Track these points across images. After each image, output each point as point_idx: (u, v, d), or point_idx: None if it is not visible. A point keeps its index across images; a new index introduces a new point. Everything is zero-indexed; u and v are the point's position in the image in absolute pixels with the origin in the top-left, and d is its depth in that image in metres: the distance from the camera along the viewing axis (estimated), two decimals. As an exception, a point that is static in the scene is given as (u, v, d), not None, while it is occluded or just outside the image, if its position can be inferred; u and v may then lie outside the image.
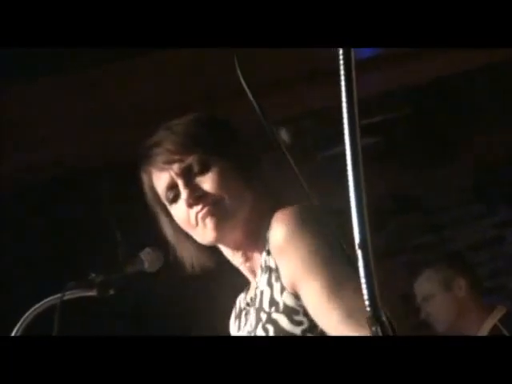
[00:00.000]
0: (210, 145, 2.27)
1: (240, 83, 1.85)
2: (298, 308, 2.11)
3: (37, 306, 2.32)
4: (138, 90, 4.59)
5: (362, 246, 1.38)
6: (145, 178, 2.33)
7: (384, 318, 1.36)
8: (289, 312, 2.11)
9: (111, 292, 2.37)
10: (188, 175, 2.24)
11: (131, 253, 2.32)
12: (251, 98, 1.78)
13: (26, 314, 2.31)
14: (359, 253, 1.37)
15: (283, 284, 2.13)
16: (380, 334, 1.38)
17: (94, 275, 2.36)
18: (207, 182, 2.23)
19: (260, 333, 2.17)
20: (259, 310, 2.20)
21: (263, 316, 2.18)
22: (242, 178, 2.27)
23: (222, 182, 2.24)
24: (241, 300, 2.45)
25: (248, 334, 2.28)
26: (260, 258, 2.25)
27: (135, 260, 2.33)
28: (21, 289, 2.54)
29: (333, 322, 2.02)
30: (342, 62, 1.41)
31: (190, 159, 2.24)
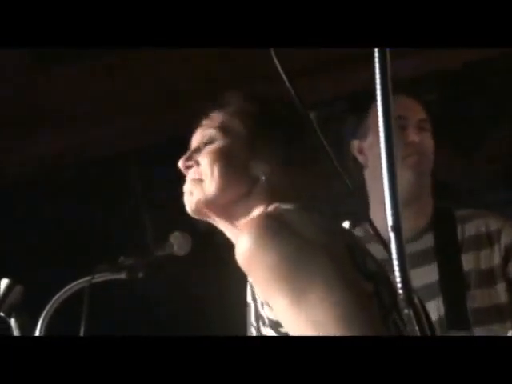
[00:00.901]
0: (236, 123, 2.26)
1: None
2: None
3: (67, 287, 2.34)
4: (163, 77, 4.64)
5: (395, 228, 1.38)
6: None
7: (416, 300, 1.36)
8: (273, 325, 2.04)
9: (140, 275, 2.39)
10: (198, 144, 2.26)
11: (161, 237, 2.34)
12: (288, 84, 1.84)
13: (57, 296, 2.33)
14: (392, 235, 1.38)
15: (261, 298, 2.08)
16: (412, 316, 1.37)
17: (123, 258, 2.37)
18: (203, 155, 2.22)
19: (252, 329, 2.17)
20: (249, 323, 2.20)
21: (253, 330, 2.16)
22: (241, 166, 2.22)
23: (211, 160, 2.22)
24: None
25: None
26: None
27: (165, 244, 2.34)
28: (50, 272, 2.54)
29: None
30: (377, 62, 1.42)
31: (209, 131, 2.25)
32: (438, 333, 2.73)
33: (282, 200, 2.12)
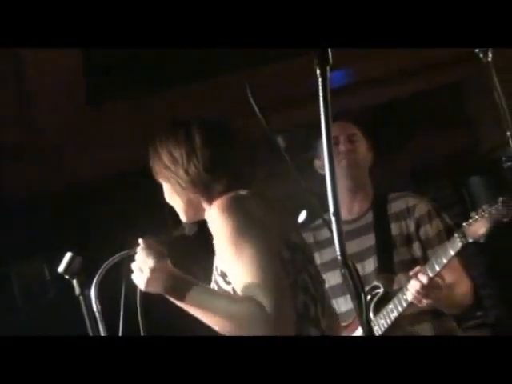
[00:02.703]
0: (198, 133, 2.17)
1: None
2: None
3: (112, 258, 2.29)
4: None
5: (335, 213, 1.37)
6: None
7: (350, 263, 1.36)
8: (222, 275, 2.09)
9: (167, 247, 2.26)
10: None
11: (176, 222, 2.35)
12: (258, 113, 1.80)
13: (105, 264, 2.29)
14: (333, 218, 1.37)
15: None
16: (348, 275, 1.36)
17: (149, 236, 2.35)
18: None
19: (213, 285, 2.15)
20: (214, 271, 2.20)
21: (212, 277, 2.18)
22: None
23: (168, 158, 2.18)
24: None
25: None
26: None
27: (180, 226, 2.34)
28: (101, 245, 2.50)
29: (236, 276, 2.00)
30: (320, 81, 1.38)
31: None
32: (369, 282, 2.80)
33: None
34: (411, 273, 2.64)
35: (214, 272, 2.16)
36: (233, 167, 2.18)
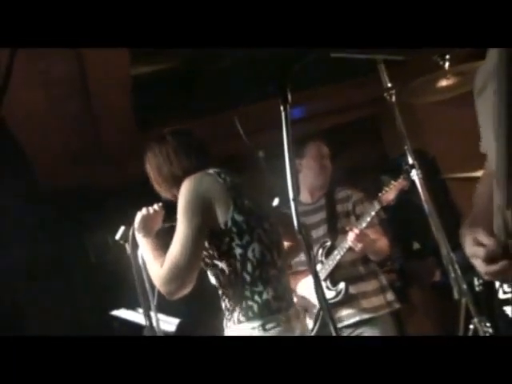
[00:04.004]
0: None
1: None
2: None
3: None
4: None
5: (293, 199, 1.35)
6: None
7: (303, 231, 1.33)
8: None
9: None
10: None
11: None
12: (243, 135, 1.77)
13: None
14: (292, 203, 1.34)
15: None
16: (302, 239, 1.32)
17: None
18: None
19: None
20: None
21: None
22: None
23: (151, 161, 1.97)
24: None
25: None
26: None
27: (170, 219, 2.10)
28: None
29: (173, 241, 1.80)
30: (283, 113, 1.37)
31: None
32: (321, 240, 2.82)
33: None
34: (348, 227, 2.71)
35: None
36: (199, 159, 1.93)
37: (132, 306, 2.64)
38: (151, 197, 2.16)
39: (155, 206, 2.02)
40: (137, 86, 3.44)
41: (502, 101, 1.07)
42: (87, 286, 4.22)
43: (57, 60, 2.86)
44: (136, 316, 2.57)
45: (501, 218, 1.25)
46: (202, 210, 1.78)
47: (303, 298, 2.80)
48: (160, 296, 2.23)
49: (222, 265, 1.84)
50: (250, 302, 1.81)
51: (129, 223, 2.15)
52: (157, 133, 1.99)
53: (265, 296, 1.82)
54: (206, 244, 1.83)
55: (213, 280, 1.93)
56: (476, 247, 1.27)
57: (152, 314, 2.23)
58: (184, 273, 1.76)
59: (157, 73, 3.55)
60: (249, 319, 1.79)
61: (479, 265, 1.28)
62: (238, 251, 1.81)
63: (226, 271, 1.83)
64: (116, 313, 2.62)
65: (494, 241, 1.24)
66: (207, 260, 1.87)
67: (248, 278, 1.82)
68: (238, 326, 1.81)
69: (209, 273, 1.93)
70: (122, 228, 2.19)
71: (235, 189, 1.87)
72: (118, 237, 2.19)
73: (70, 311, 3.97)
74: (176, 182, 1.90)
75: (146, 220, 1.98)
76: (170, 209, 1.99)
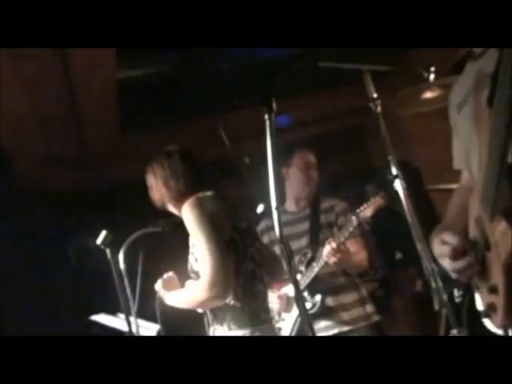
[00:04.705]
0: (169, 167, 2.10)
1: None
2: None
3: (134, 234, 2.27)
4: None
5: (276, 208, 1.36)
6: None
7: (284, 242, 1.35)
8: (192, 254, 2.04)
9: (167, 229, 2.33)
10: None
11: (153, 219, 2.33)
12: (227, 144, 1.77)
13: (130, 239, 2.26)
14: (275, 212, 1.36)
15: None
16: (283, 249, 1.33)
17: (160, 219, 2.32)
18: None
19: (190, 256, 2.05)
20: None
21: (189, 256, 2.07)
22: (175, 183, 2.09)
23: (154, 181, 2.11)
24: None
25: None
26: None
27: (155, 223, 2.33)
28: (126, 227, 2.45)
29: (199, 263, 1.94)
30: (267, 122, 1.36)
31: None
32: (303, 250, 2.81)
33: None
34: (327, 241, 2.68)
35: (190, 251, 2.10)
36: (199, 180, 2.11)
37: (112, 311, 2.61)
38: (133, 200, 2.15)
39: (170, 274, 2.23)
40: (122, 90, 3.42)
41: (502, 123, 1.09)
42: (67, 289, 4.17)
43: (41, 61, 2.83)
44: (116, 321, 2.54)
45: (478, 229, 1.27)
46: (215, 226, 1.95)
47: (280, 304, 2.79)
48: (140, 302, 2.23)
49: None
50: (241, 312, 1.99)
51: (110, 227, 2.14)
52: (139, 136, 2.06)
53: (254, 307, 2.01)
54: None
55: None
56: (442, 246, 1.32)
57: (132, 319, 2.22)
58: (223, 276, 1.88)
59: (142, 77, 3.53)
60: (240, 327, 1.97)
61: (446, 263, 1.32)
62: (233, 266, 1.96)
63: None
64: (95, 317, 2.59)
65: (459, 239, 1.28)
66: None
67: (240, 291, 1.99)
68: (228, 333, 1.98)
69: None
70: (104, 232, 2.19)
71: (232, 210, 2.07)
72: (99, 241, 2.17)
73: (48, 314, 3.92)
74: (178, 197, 2.08)
75: (166, 283, 2.18)
76: (158, 215, 2.13)
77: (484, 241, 1.25)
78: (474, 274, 1.29)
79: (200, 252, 1.93)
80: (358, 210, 2.67)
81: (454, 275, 1.32)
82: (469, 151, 1.38)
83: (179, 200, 2.08)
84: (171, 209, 2.16)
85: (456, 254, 1.28)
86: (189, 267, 2.07)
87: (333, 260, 2.65)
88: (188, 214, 1.96)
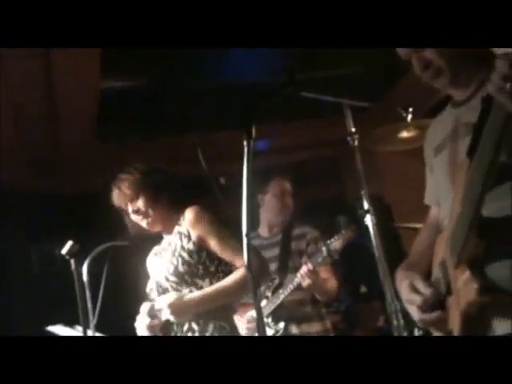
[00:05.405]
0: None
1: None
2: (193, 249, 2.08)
3: (101, 246, 2.25)
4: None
5: (246, 235, 1.35)
6: None
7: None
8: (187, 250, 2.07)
9: (136, 243, 2.29)
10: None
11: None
12: (204, 165, 1.77)
13: (95, 250, 2.25)
14: (245, 238, 1.34)
15: (192, 239, 2.08)
16: (249, 276, 1.33)
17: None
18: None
19: (174, 260, 2.08)
20: (174, 250, 2.11)
21: (176, 252, 2.10)
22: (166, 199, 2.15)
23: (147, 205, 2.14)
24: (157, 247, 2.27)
25: (159, 264, 2.14)
26: (172, 229, 2.16)
27: (122, 238, 2.32)
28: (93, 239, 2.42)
29: (228, 254, 2.05)
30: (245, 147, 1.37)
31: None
32: (271, 276, 2.80)
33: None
34: (303, 262, 2.71)
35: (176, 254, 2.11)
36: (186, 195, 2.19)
37: (70, 323, 2.56)
38: (104, 211, 2.13)
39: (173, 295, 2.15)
40: (104, 99, 3.41)
41: (482, 170, 1.10)
42: (26, 296, 4.07)
43: (25, 63, 2.80)
44: (73, 333, 2.49)
45: (442, 272, 1.28)
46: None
47: (248, 329, 2.78)
48: (100, 315, 2.19)
49: (202, 283, 2.08)
50: (223, 323, 2.06)
51: (78, 237, 2.12)
52: (115, 148, 2.07)
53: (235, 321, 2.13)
54: (196, 262, 2.08)
55: (174, 259, 2.10)
56: (413, 294, 1.31)
57: (90, 332, 2.18)
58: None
59: (126, 88, 3.52)
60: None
61: (414, 312, 1.31)
62: (221, 275, 2.07)
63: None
64: (52, 328, 2.53)
65: (431, 290, 1.27)
66: (187, 277, 2.08)
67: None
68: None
69: (174, 291, 2.08)
70: (70, 243, 2.16)
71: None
72: (64, 251, 2.14)
73: (4, 320, 3.81)
74: (172, 206, 2.15)
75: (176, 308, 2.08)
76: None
77: (446, 284, 1.26)
78: (441, 328, 1.28)
79: (227, 245, 2.02)
80: (328, 241, 2.69)
81: (419, 323, 1.32)
82: (441, 193, 1.41)
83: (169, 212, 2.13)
84: (148, 224, 2.16)
85: (427, 307, 1.27)
86: (167, 273, 2.08)
87: (307, 282, 2.66)
88: (199, 221, 2.06)
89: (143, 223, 2.17)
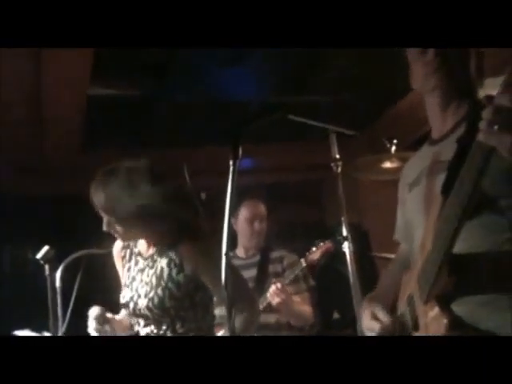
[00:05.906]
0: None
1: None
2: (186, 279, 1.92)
3: (76, 253, 2.22)
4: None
5: (225, 254, 1.35)
6: None
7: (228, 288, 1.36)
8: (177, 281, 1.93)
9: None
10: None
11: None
12: (188, 180, 1.78)
13: (69, 257, 2.20)
14: (224, 257, 1.35)
15: (185, 271, 1.92)
16: (226, 295, 1.36)
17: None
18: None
19: (160, 291, 1.92)
20: (160, 277, 1.94)
21: (162, 281, 1.93)
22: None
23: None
24: (135, 250, 2.07)
25: (140, 282, 1.98)
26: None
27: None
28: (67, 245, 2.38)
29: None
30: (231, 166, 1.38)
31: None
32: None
33: None
34: (272, 283, 2.72)
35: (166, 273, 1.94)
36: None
37: (38, 329, 2.52)
38: (83, 218, 2.11)
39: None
40: (91, 107, 3.40)
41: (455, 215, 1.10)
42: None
43: (12, 62, 2.79)
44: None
45: (409, 307, 1.30)
46: None
47: None
48: (70, 323, 2.17)
49: (185, 315, 1.93)
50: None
51: (52, 244, 2.10)
52: (100, 155, 2.00)
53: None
54: (184, 295, 1.92)
55: (153, 329, 1.95)
56: (373, 321, 1.34)
57: (57, 340, 2.15)
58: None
59: (114, 97, 3.51)
60: None
61: None
62: (200, 308, 1.95)
63: (187, 320, 1.93)
64: (19, 333, 2.48)
65: (390, 318, 1.30)
66: (172, 312, 1.92)
67: (206, 328, 1.97)
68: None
69: (153, 324, 1.95)
70: (46, 248, 2.14)
71: None
72: (39, 256, 2.12)
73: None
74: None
75: None
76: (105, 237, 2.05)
77: (413, 320, 1.27)
78: None
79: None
80: (307, 253, 2.75)
81: None
82: (411, 229, 1.42)
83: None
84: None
85: (385, 333, 1.29)
86: (151, 304, 1.92)
87: (276, 300, 2.67)
88: (196, 248, 1.90)
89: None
